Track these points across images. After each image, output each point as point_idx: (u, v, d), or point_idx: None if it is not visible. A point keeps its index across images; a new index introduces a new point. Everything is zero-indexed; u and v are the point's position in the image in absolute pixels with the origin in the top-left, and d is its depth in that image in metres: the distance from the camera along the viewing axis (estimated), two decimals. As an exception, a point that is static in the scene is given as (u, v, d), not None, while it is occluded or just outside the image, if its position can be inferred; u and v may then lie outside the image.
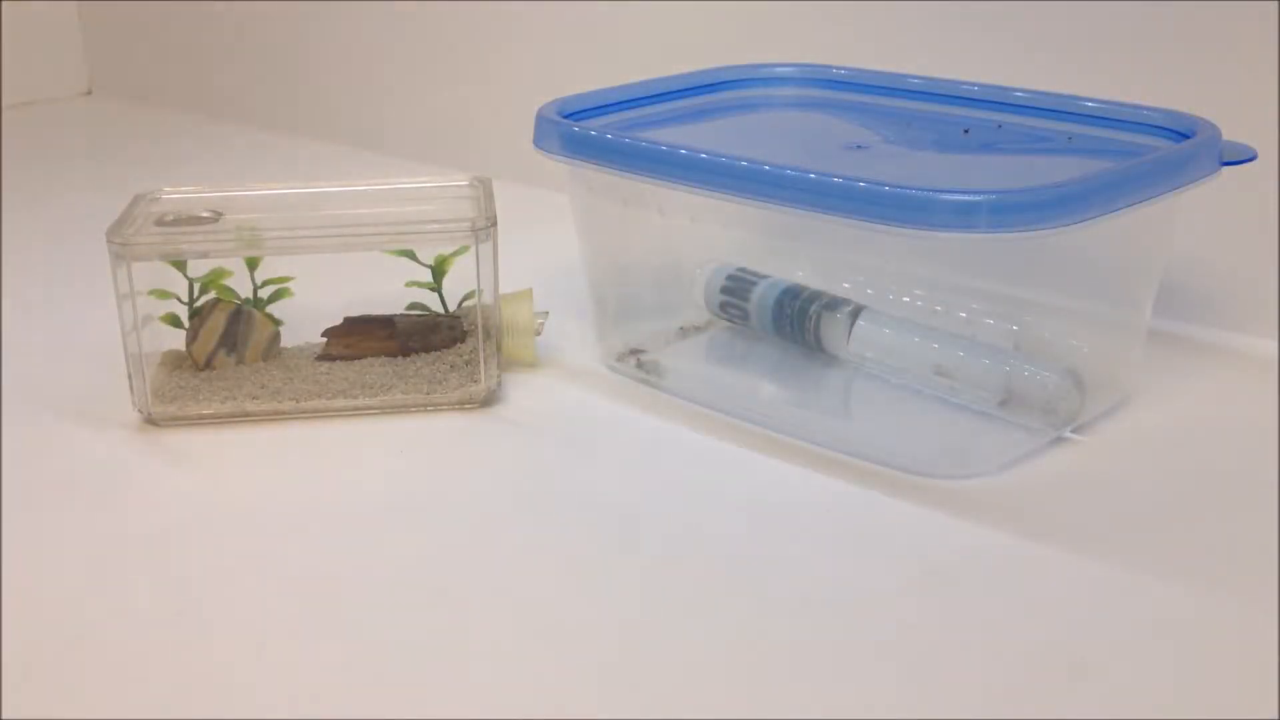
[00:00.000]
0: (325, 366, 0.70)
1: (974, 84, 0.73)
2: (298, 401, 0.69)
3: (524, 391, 0.72)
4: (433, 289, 0.71)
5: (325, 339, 0.72)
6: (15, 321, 0.83)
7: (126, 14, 1.44)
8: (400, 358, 0.71)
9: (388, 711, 0.47)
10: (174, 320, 0.70)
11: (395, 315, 0.72)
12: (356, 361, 0.71)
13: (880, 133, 0.72)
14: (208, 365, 0.70)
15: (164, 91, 1.43)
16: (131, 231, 0.66)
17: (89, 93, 1.51)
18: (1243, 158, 0.63)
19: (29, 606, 0.53)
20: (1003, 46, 0.81)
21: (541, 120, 0.70)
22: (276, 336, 0.72)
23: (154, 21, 1.41)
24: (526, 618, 0.52)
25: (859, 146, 0.69)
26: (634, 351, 0.74)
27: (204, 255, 0.68)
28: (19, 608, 0.53)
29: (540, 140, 0.69)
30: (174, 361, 0.70)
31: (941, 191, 0.55)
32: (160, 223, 0.68)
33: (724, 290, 0.75)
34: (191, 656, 0.50)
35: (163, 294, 0.69)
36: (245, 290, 0.70)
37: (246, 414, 0.68)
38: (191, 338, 0.70)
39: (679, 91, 0.77)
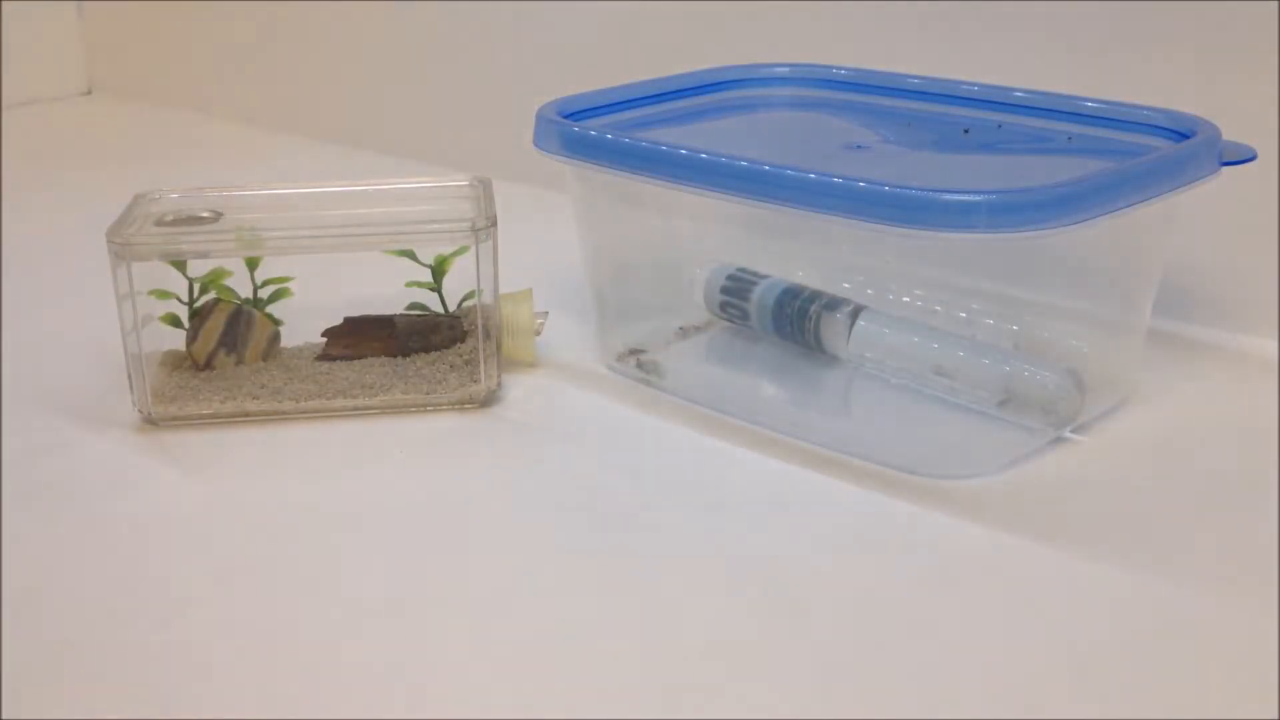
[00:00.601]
0: (325, 366, 0.70)
1: (974, 84, 0.73)
2: (298, 401, 0.69)
3: (524, 391, 0.72)
4: (433, 289, 0.71)
5: (325, 339, 0.72)
6: (15, 321, 0.83)
7: (126, 14, 1.44)
8: (400, 358, 0.71)
9: (388, 712, 0.47)
10: (174, 320, 0.70)
11: (395, 315, 0.72)
12: (356, 361, 0.71)
13: (880, 133, 0.72)
14: (208, 365, 0.70)
15: (164, 91, 1.43)
16: (131, 231, 0.66)
17: (89, 93, 1.51)
18: (1243, 158, 0.63)
19: (29, 606, 0.53)
20: (1003, 46, 0.81)
21: (541, 120, 0.70)
22: (276, 336, 0.72)
23: (154, 21, 1.41)
24: (526, 618, 0.52)
25: (859, 146, 0.69)
26: (634, 351, 0.74)
27: (204, 255, 0.68)
28: (19, 608, 0.53)
29: (540, 140, 0.69)
30: (174, 361, 0.70)
31: (941, 191, 0.55)
32: (160, 223, 0.68)
33: (724, 290, 0.75)
34: (191, 657, 0.50)
35: (163, 294, 0.69)
36: (245, 290, 0.70)
37: (246, 414, 0.68)
38: (191, 338, 0.70)
39: (679, 91, 0.77)
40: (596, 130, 0.68)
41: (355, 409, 0.69)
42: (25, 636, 0.51)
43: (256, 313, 0.71)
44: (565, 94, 0.72)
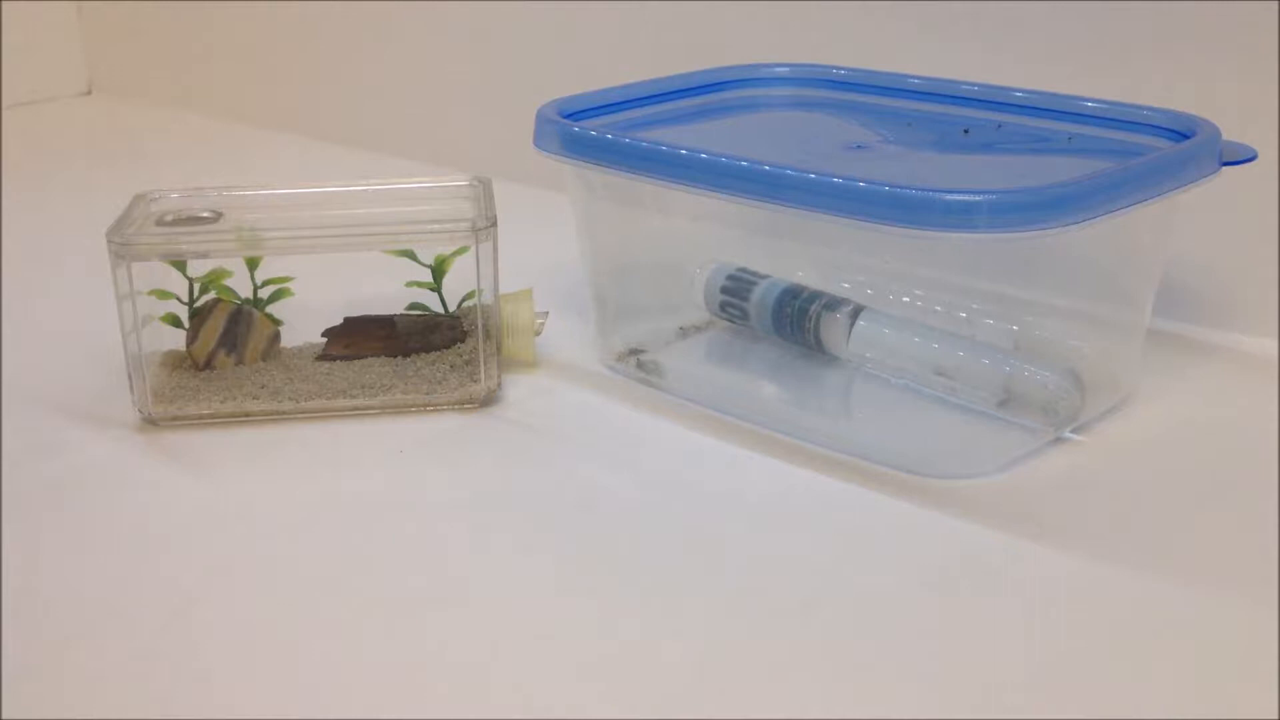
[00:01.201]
0: (325, 366, 0.70)
1: (974, 84, 0.73)
2: (298, 402, 0.69)
3: (524, 391, 0.72)
4: (433, 289, 0.71)
5: (325, 339, 0.72)
6: (15, 322, 0.83)
7: (126, 14, 1.44)
8: (400, 358, 0.71)
9: (388, 712, 0.47)
10: (174, 320, 0.70)
11: (395, 315, 0.72)
12: (356, 361, 0.71)
13: (880, 133, 0.72)
14: (208, 365, 0.70)
15: (164, 91, 1.43)
16: (131, 231, 0.66)
17: (89, 93, 1.51)
18: (1243, 158, 0.63)
19: (29, 606, 0.53)
20: (1003, 46, 0.81)
21: (541, 120, 0.70)
22: (276, 336, 0.72)
23: (154, 21, 1.41)
24: (526, 618, 0.52)
25: (859, 146, 0.69)
26: (634, 351, 0.74)
27: (204, 255, 0.68)
28: (19, 608, 0.53)
29: (540, 140, 0.69)
30: (174, 362, 0.70)
31: (941, 191, 0.55)
32: (160, 223, 0.68)
33: (724, 290, 0.75)
34: (191, 657, 0.50)
35: (163, 294, 0.69)
36: (245, 290, 0.70)
37: (246, 414, 0.68)
38: (191, 338, 0.70)
39: (679, 91, 0.77)
40: (596, 130, 0.68)
41: (355, 409, 0.69)
42: (25, 636, 0.51)
43: (256, 313, 0.71)
44: (565, 94, 0.72)
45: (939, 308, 0.72)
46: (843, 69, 0.79)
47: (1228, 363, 0.73)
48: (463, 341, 0.71)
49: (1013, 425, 0.65)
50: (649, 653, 0.50)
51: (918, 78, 0.75)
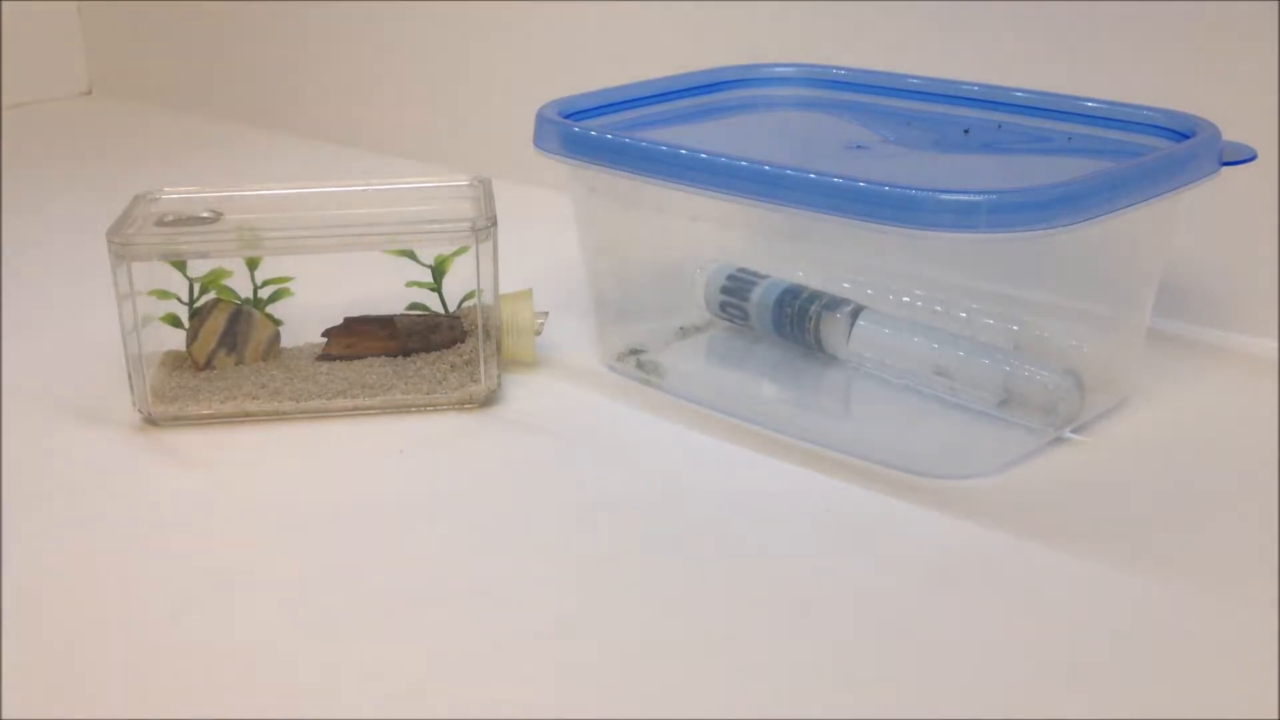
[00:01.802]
0: (325, 366, 0.70)
1: (974, 84, 0.73)
2: (298, 401, 0.69)
3: (524, 391, 0.72)
4: (433, 289, 0.71)
5: (325, 339, 0.72)
6: (15, 321, 0.83)
7: (126, 14, 1.44)
8: (400, 358, 0.71)
9: (388, 711, 0.47)
10: (174, 320, 0.70)
11: (395, 315, 0.72)
12: (356, 361, 0.71)
13: (880, 133, 0.72)
14: (208, 365, 0.70)
15: (164, 91, 1.43)
16: (131, 231, 0.66)
17: (89, 93, 1.51)
18: (1243, 158, 0.63)
19: (29, 606, 0.53)
20: (1003, 46, 0.81)
21: (541, 120, 0.70)
22: (276, 336, 0.72)
23: (154, 21, 1.41)
24: (526, 617, 0.52)
25: (859, 146, 0.69)
26: (634, 351, 0.74)
27: (204, 255, 0.68)
28: (19, 608, 0.53)
29: (540, 140, 0.69)
30: (174, 361, 0.70)
31: (941, 191, 0.55)
32: (160, 223, 0.68)
33: (724, 290, 0.75)
34: (191, 656, 0.50)
35: (163, 294, 0.69)
36: (245, 290, 0.70)
37: (246, 414, 0.68)
38: (191, 338, 0.70)
39: (679, 91, 0.77)
40: (596, 130, 0.68)
41: (355, 409, 0.69)
42: (26, 636, 0.51)
43: (256, 313, 0.71)
44: (565, 94, 0.72)
45: (939, 308, 0.72)
46: (843, 69, 0.79)
47: (1228, 363, 0.73)
48: (463, 341, 0.71)
49: (1013, 425, 0.65)
50: (649, 652, 0.50)
51: (918, 78, 0.75)
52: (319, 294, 0.71)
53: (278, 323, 0.71)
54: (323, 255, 0.67)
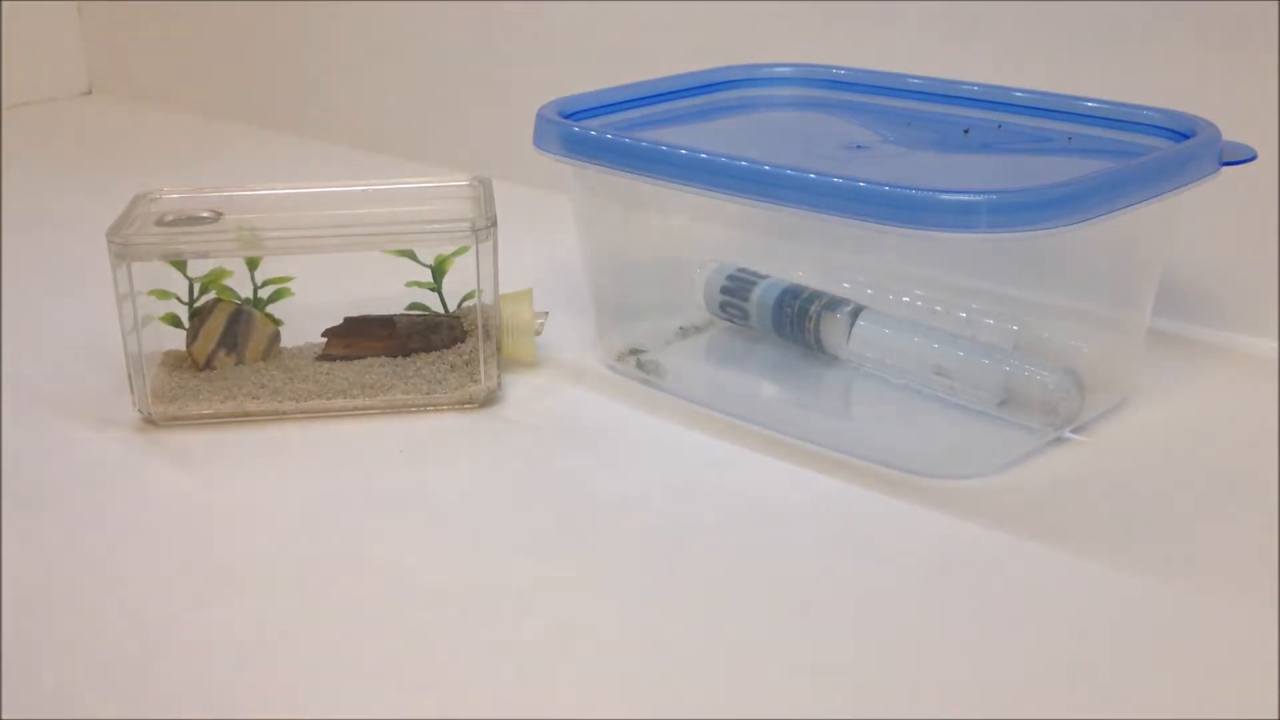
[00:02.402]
0: (325, 366, 0.70)
1: (974, 84, 0.73)
2: (298, 401, 0.69)
3: (524, 391, 0.72)
4: (433, 289, 0.71)
5: (325, 339, 0.72)
6: (15, 321, 0.83)
7: (126, 14, 1.44)
8: (400, 358, 0.71)
9: (387, 711, 0.47)
10: (174, 320, 0.70)
11: (395, 315, 0.72)
12: (356, 361, 0.71)
13: (880, 133, 0.72)
14: (208, 365, 0.70)
15: (164, 91, 1.43)
16: (131, 231, 0.66)
17: (89, 93, 1.51)
18: (1243, 158, 0.63)
19: (29, 606, 0.53)
20: (1003, 46, 0.81)
21: (541, 120, 0.70)
22: (276, 336, 0.72)
23: (154, 21, 1.41)
24: (526, 618, 0.52)
25: (859, 146, 0.69)
26: (634, 351, 0.74)
27: (204, 255, 0.68)
28: (19, 608, 0.53)
29: (540, 140, 0.69)
30: (174, 361, 0.70)
31: (941, 191, 0.55)
32: (160, 223, 0.68)
33: (724, 290, 0.75)
34: (191, 656, 0.50)
35: (163, 294, 0.69)
36: (245, 290, 0.70)
37: (246, 414, 0.68)
38: (191, 338, 0.70)
39: (679, 91, 0.77)
40: (596, 130, 0.68)
41: (355, 409, 0.69)
42: (25, 636, 0.51)
43: (256, 313, 0.71)
44: (565, 94, 0.72)
45: (939, 308, 0.72)
46: (843, 69, 0.79)
47: (1228, 363, 0.73)
48: (463, 341, 0.71)
49: (1013, 425, 0.65)
50: (649, 652, 0.50)
51: (918, 78, 0.75)
52: (319, 294, 0.71)
53: (278, 323, 0.71)
54: (323, 255, 0.67)
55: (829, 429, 0.68)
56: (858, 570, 0.55)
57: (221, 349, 0.70)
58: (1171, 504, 0.60)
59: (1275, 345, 0.74)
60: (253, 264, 0.70)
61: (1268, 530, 0.57)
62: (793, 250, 0.76)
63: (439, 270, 0.71)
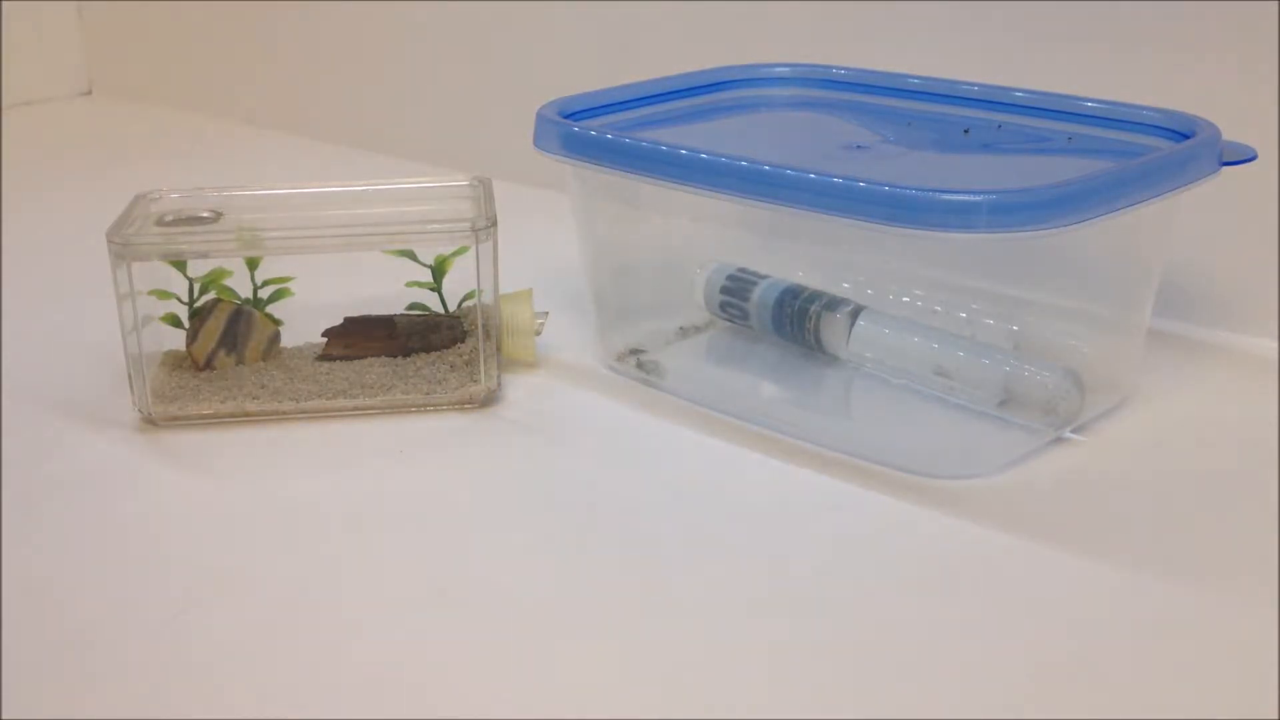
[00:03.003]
0: (325, 366, 0.70)
1: (974, 84, 0.73)
2: (298, 401, 0.69)
3: (524, 391, 0.72)
4: (433, 289, 0.71)
5: (325, 339, 0.72)
6: (15, 321, 0.83)
7: (126, 14, 1.44)
8: (400, 358, 0.71)
9: (387, 712, 0.47)
10: (174, 320, 0.70)
11: (395, 315, 0.72)
12: (356, 361, 0.71)
13: (880, 133, 0.72)
14: (208, 365, 0.70)
15: (164, 91, 1.43)
16: (131, 231, 0.66)
17: (89, 93, 1.51)
18: (1243, 158, 0.63)
19: (29, 606, 0.53)
20: (1003, 46, 0.81)
21: (541, 120, 0.70)
22: (276, 336, 0.72)
23: (154, 21, 1.41)
24: (526, 618, 0.52)
25: (859, 146, 0.69)
26: (634, 351, 0.74)
27: (204, 255, 0.68)
28: (19, 607, 0.53)
29: (540, 140, 0.69)
30: (174, 361, 0.70)
31: (941, 191, 0.55)
32: (160, 223, 0.68)
33: (724, 290, 0.75)
34: (191, 656, 0.50)
35: (163, 294, 0.69)
36: (245, 290, 0.70)
37: (246, 414, 0.68)
38: (191, 338, 0.70)
39: (679, 91, 0.77)
40: (596, 130, 0.68)
41: (355, 409, 0.69)
42: (26, 636, 0.51)
43: (256, 313, 0.71)
44: (565, 94, 0.72)
45: (939, 308, 0.72)
46: (843, 69, 0.79)
47: (1228, 363, 0.73)
48: (463, 341, 0.71)
49: (1013, 425, 0.65)
50: (648, 652, 0.50)
51: (918, 78, 0.75)
52: (319, 294, 0.71)
53: (278, 323, 0.71)
54: (323, 255, 0.67)
55: (829, 429, 0.68)
56: (857, 570, 0.55)
57: (221, 349, 0.70)
58: (1171, 504, 0.60)
59: (1275, 345, 0.74)
60: (253, 264, 0.70)
61: (1267, 530, 0.57)
62: (793, 250, 0.76)
63: (439, 270, 0.71)
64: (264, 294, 0.71)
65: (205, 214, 0.69)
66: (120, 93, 1.49)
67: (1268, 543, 0.56)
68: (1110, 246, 0.64)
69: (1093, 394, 0.65)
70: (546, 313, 0.74)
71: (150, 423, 0.68)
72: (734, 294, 0.74)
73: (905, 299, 0.73)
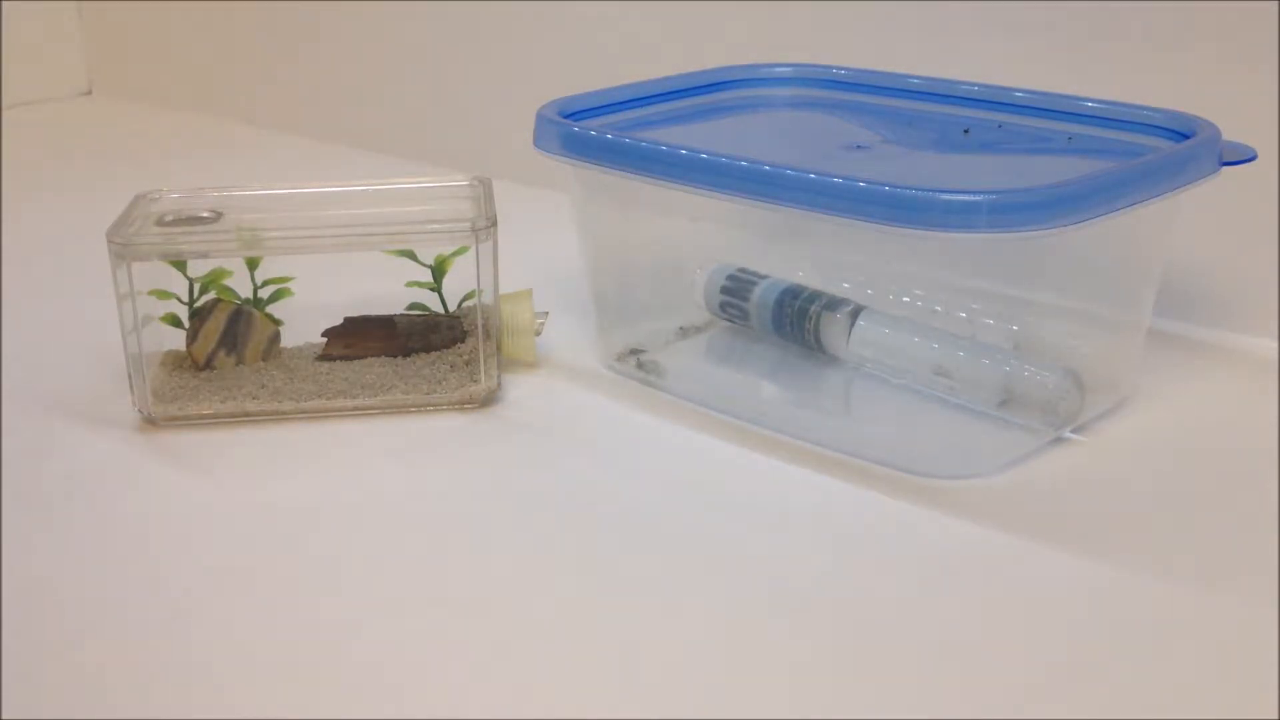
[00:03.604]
0: (325, 366, 0.70)
1: (974, 84, 0.73)
2: (298, 401, 0.69)
3: (524, 391, 0.72)
4: (433, 289, 0.71)
5: (325, 339, 0.72)
6: (15, 321, 0.83)
7: (126, 14, 1.44)
8: (400, 358, 0.71)
9: (388, 711, 0.47)
10: (174, 320, 0.70)
11: (395, 315, 0.72)
12: (356, 361, 0.71)
13: (880, 133, 0.72)
14: (208, 365, 0.70)
15: (164, 91, 1.43)
16: (131, 231, 0.66)
17: (89, 93, 1.51)
18: (1243, 158, 0.63)
19: (29, 606, 0.53)
20: (1003, 46, 0.81)
21: (541, 120, 0.70)
22: (276, 336, 0.72)
23: (154, 21, 1.41)
24: (526, 618, 0.52)
25: (859, 146, 0.69)
26: (634, 351, 0.74)
27: (204, 255, 0.68)
28: (19, 608, 0.53)
29: (540, 140, 0.69)
30: (174, 361, 0.70)
31: (941, 191, 0.55)
32: (160, 223, 0.68)
33: (724, 290, 0.75)
34: (191, 656, 0.50)
35: (163, 294, 0.69)
36: (245, 290, 0.70)
37: (246, 414, 0.68)
38: (191, 338, 0.70)
39: (679, 91, 0.77)
40: (596, 130, 0.68)
41: (355, 409, 0.69)
42: (26, 636, 0.51)
43: (256, 313, 0.71)
44: (565, 94, 0.72)
45: (939, 308, 0.72)
46: (843, 69, 0.79)
47: (1228, 363, 0.73)
48: (463, 341, 0.71)
49: (1013, 425, 0.65)
50: (648, 652, 0.50)
51: (918, 78, 0.75)
52: (319, 294, 0.71)
53: (278, 323, 0.71)
54: (323, 255, 0.67)
55: (829, 429, 0.68)
56: (857, 570, 0.55)
57: (221, 349, 0.70)
58: (1171, 504, 0.60)
59: (1275, 345, 0.74)
60: (253, 264, 0.70)
61: (1267, 530, 0.57)
62: (793, 250, 0.76)
63: (439, 270, 0.71)
64: (264, 294, 0.71)
65: (205, 214, 0.69)
66: (120, 93, 1.49)
67: (1268, 543, 0.56)
68: (1110, 246, 0.64)
69: (1093, 394, 0.65)
70: (546, 313, 0.74)
71: (150, 423, 0.68)
72: (734, 294, 0.74)
73: (905, 299, 0.73)
